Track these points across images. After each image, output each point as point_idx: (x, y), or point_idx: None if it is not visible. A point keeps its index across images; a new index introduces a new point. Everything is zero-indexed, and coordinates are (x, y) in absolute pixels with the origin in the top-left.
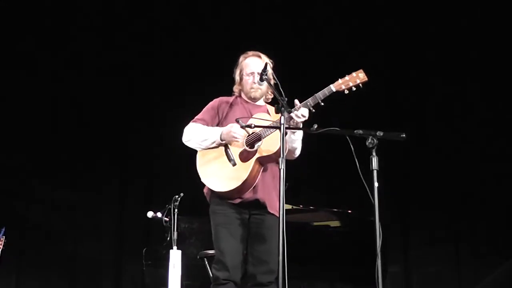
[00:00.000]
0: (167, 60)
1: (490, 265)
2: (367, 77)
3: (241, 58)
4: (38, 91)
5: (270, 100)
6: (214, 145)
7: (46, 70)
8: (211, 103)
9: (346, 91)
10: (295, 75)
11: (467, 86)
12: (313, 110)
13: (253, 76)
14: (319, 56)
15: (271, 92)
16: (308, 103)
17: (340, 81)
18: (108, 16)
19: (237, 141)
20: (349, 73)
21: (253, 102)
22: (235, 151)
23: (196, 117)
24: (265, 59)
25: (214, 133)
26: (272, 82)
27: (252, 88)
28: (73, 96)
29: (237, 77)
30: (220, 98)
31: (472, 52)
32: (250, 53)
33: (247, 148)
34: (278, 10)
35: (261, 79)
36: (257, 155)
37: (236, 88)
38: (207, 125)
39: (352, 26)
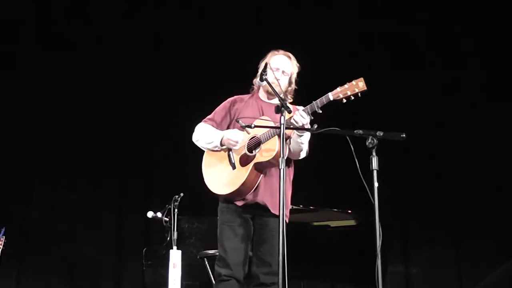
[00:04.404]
0: (171, 58)
1: (490, 265)
2: (367, 86)
3: (269, 54)
4: (38, 91)
5: (291, 101)
6: (217, 149)
7: (46, 70)
8: (224, 103)
9: (344, 100)
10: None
11: (467, 84)
12: (312, 118)
13: (278, 72)
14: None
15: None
16: (306, 111)
17: (338, 89)
18: (113, 11)
19: (235, 147)
20: (349, 80)
21: (267, 99)
22: (236, 155)
23: (208, 117)
24: (294, 61)
25: (217, 137)
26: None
27: (273, 82)
28: (72, 96)
29: (261, 69)
30: (235, 97)
31: (472, 51)
32: (281, 51)
33: (247, 153)
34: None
35: (261, 79)
36: (254, 161)
37: (256, 81)
38: (216, 126)
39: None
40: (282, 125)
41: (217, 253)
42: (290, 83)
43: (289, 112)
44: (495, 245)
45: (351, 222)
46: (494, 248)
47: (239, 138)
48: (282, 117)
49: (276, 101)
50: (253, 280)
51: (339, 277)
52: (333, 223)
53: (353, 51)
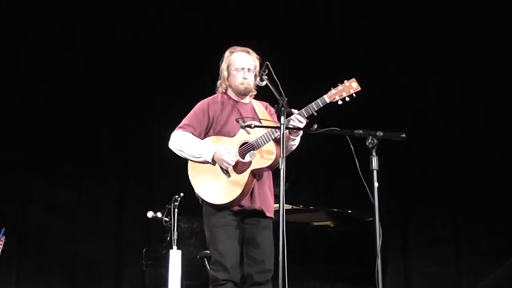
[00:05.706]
0: (165, 57)
1: (490, 265)
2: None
3: (227, 53)
4: (38, 91)
5: (254, 95)
6: (206, 162)
7: (46, 70)
8: (199, 106)
9: (340, 102)
10: (293, 73)
11: (467, 84)
12: (307, 120)
13: (244, 72)
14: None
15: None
16: (302, 114)
17: (333, 91)
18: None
19: (227, 168)
20: (342, 81)
21: (239, 99)
22: None
23: (183, 123)
24: (253, 55)
25: (207, 153)
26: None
27: (242, 83)
28: (72, 96)
29: (224, 72)
30: (208, 99)
31: (471, 50)
32: (238, 48)
33: (241, 159)
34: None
35: (261, 79)
36: (251, 167)
37: (222, 83)
38: (196, 132)
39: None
40: (282, 125)
41: None
42: (255, 77)
43: (289, 113)
44: (495, 245)
45: (351, 222)
46: (494, 248)
47: (233, 158)
48: (282, 117)
49: (247, 99)
50: (246, 280)
51: (339, 277)
52: (333, 223)
53: (352, 50)
